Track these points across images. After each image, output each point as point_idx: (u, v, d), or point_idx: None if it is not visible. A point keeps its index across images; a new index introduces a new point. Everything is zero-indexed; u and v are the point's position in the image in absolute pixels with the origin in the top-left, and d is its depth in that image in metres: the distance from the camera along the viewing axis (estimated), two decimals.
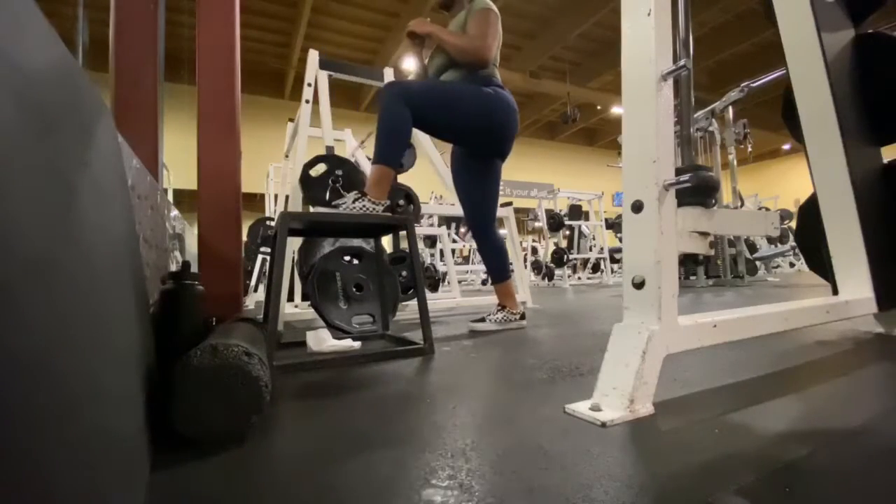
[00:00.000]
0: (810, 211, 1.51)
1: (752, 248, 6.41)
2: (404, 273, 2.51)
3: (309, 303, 2.07)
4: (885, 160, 1.49)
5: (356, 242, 2.14)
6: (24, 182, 0.31)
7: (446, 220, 6.60)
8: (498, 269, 1.93)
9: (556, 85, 11.63)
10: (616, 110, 12.96)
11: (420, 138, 2.79)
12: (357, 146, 3.42)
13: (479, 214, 1.92)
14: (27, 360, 0.28)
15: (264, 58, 10.74)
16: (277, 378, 1.10)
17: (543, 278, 7.32)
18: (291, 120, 3.00)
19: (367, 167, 2.92)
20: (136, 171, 1.03)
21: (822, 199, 1.41)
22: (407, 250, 2.26)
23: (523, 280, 3.12)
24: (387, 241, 2.68)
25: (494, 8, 1.73)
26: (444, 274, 4.76)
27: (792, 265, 8.96)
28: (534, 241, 9.77)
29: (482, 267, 7.30)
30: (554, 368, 1.12)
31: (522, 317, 1.94)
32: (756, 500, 0.47)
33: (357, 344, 1.48)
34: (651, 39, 0.80)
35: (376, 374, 1.14)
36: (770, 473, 0.52)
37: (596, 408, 0.74)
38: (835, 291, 1.38)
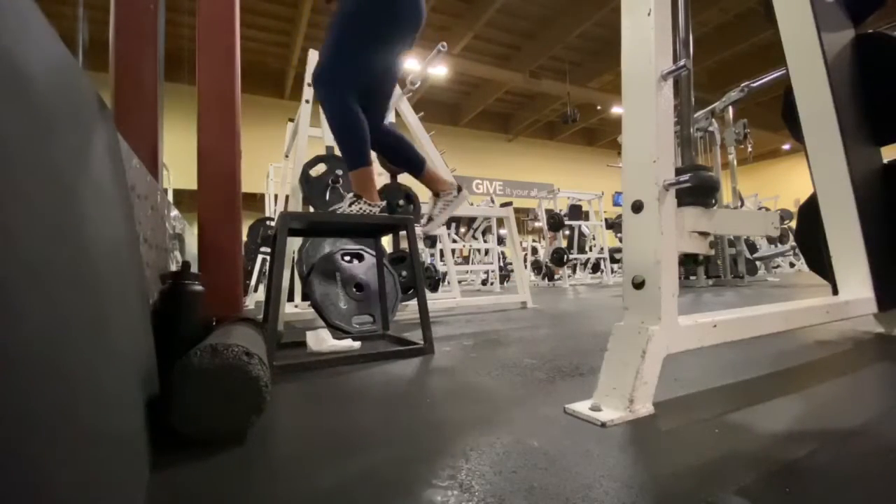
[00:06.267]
0: (810, 211, 1.51)
1: (752, 248, 6.40)
2: (404, 273, 2.51)
3: (309, 303, 2.07)
4: (885, 160, 1.49)
5: (356, 243, 2.14)
6: (24, 182, 0.31)
7: (446, 220, 6.59)
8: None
9: (556, 85, 11.62)
10: (616, 110, 12.95)
11: (420, 138, 2.79)
12: None
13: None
14: (27, 360, 0.28)
15: (264, 58, 10.73)
16: (277, 378, 1.10)
17: (543, 278, 7.31)
18: (291, 120, 3.00)
19: None
20: (136, 171, 1.03)
21: (822, 199, 1.41)
22: (407, 250, 2.26)
23: (523, 280, 3.13)
24: (386, 241, 2.68)
25: None
26: (444, 274, 4.75)
27: (792, 265, 8.95)
28: (534, 241, 9.77)
29: (482, 267, 7.34)
30: (554, 368, 1.12)
31: (459, 189, 1.78)
32: (756, 500, 0.47)
33: (357, 344, 1.48)
34: (651, 39, 0.80)
35: (376, 374, 1.14)
36: (770, 473, 0.52)
37: (596, 408, 0.74)
38: (835, 291, 1.38)
